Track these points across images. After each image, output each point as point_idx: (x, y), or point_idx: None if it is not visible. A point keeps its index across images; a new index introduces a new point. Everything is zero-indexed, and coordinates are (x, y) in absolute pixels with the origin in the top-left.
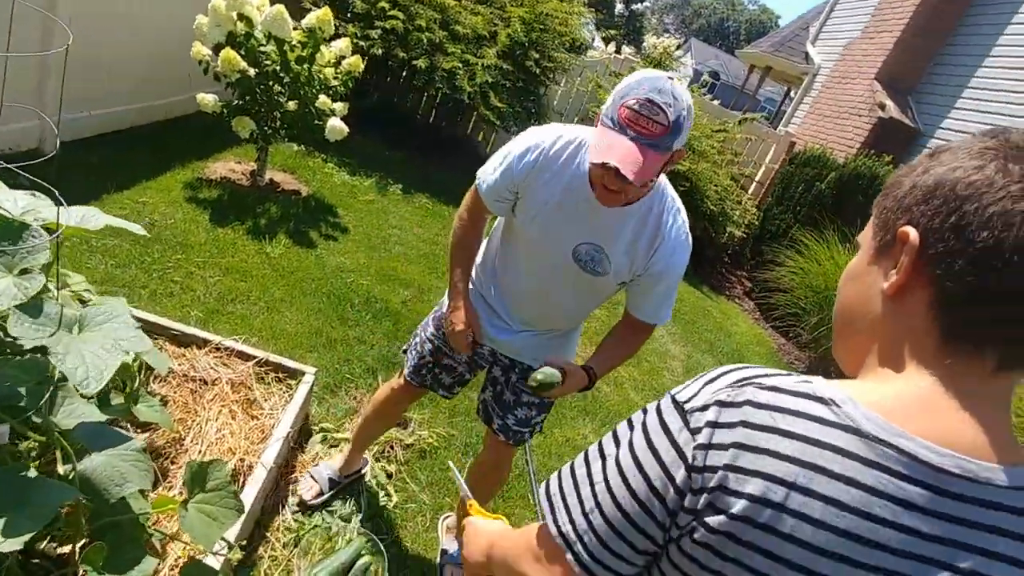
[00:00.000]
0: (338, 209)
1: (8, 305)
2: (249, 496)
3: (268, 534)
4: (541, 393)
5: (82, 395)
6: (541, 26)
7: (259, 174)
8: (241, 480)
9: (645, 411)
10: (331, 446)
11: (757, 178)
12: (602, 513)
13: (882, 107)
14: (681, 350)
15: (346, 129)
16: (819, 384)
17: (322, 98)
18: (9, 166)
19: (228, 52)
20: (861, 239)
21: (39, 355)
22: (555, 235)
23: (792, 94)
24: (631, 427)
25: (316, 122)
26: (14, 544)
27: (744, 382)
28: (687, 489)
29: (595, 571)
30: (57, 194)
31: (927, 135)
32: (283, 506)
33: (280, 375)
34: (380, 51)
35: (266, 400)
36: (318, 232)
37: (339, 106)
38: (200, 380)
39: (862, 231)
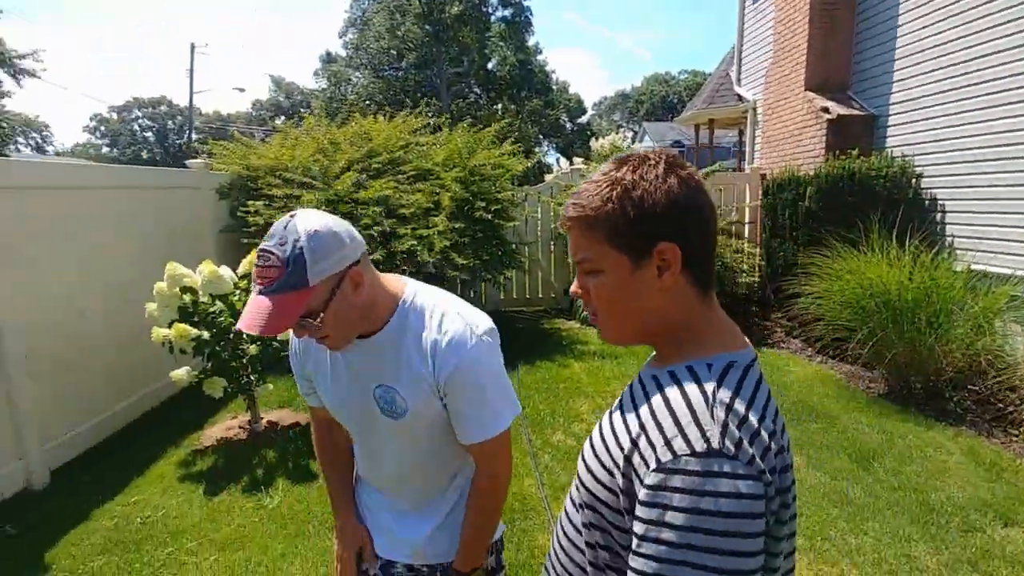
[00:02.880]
0: None
1: None
2: None
3: None
4: None
5: None
6: (478, 177)
7: (254, 422)
8: None
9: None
10: None
11: (747, 220)
12: None
13: (826, 111)
14: None
15: None
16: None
17: None
18: None
19: (177, 327)
20: (604, 264)
21: None
22: (348, 399)
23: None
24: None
25: (284, 353)
26: None
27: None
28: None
29: None
30: None
31: (882, 115)
32: None
33: None
34: None
35: None
36: None
37: None
38: None
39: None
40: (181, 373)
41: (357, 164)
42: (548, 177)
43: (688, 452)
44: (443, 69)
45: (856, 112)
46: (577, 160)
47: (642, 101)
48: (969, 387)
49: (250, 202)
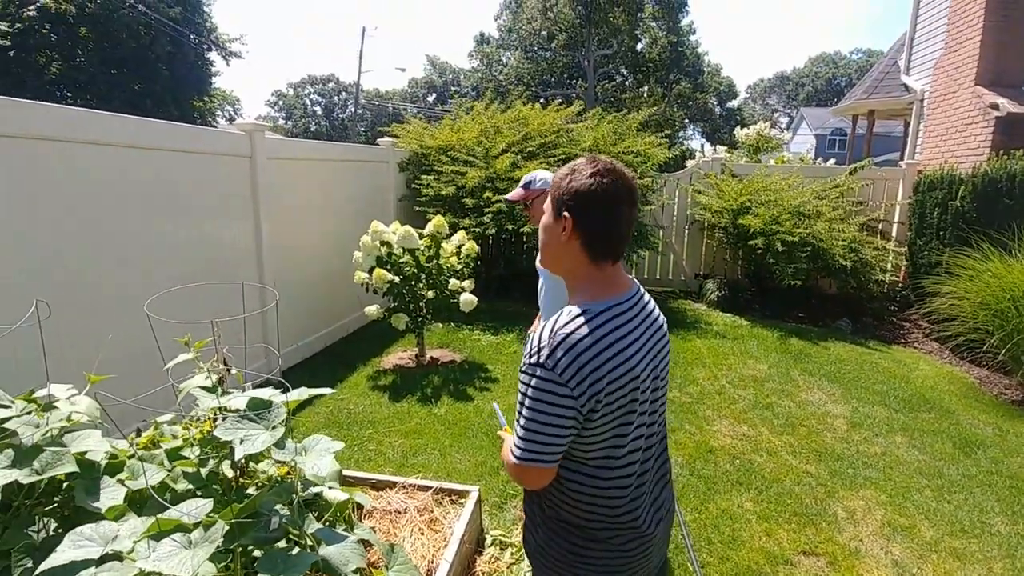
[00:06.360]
0: (488, 365)
1: (269, 445)
2: None
3: None
4: None
5: (317, 515)
6: (623, 163)
7: (421, 355)
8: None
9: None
10: (501, 548)
11: (896, 219)
12: None
13: (995, 107)
14: (843, 408)
15: (475, 300)
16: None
17: (452, 281)
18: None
19: (378, 271)
20: (547, 212)
21: (287, 482)
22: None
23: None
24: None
25: (452, 301)
26: None
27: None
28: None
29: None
30: (285, 382)
31: None
32: None
33: (453, 497)
34: (493, 230)
35: (444, 518)
36: (474, 387)
37: (467, 283)
38: (395, 511)
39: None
40: (373, 309)
41: (514, 146)
42: (689, 163)
43: (529, 361)
44: (591, 51)
45: None
46: (721, 148)
47: (803, 84)
48: None
49: (423, 176)
